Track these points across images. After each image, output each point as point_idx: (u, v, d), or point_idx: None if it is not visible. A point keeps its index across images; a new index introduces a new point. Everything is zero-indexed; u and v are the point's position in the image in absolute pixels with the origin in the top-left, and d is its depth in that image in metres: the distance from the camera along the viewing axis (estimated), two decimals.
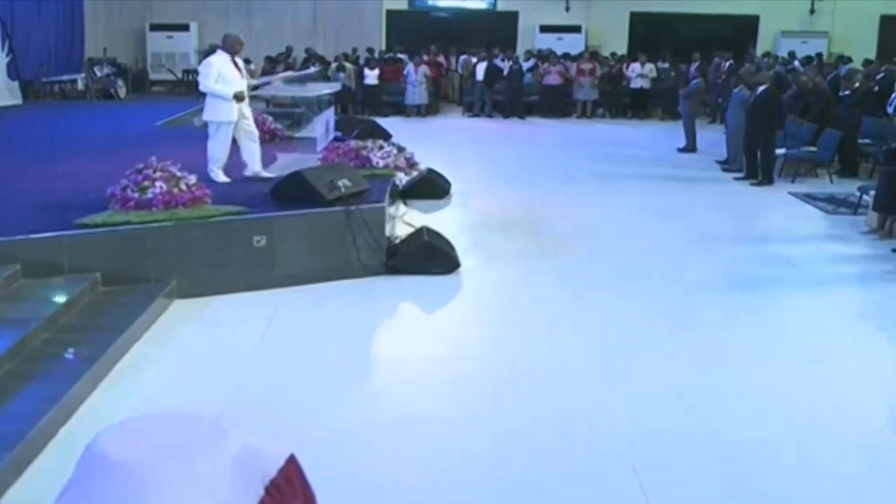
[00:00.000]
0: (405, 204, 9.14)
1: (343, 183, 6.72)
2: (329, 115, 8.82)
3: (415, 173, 8.79)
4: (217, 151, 7.68)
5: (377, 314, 6.05)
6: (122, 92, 17.60)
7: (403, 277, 6.69)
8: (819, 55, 18.73)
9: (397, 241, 7.11)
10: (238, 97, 7.52)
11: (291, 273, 6.42)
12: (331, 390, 4.76)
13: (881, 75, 12.77)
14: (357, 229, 6.58)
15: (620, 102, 17.90)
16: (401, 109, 17.49)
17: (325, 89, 9.31)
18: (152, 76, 20.28)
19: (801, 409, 4.56)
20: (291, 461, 2.27)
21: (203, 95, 7.97)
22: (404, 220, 8.38)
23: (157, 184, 6.32)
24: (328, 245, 6.57)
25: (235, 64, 7.62)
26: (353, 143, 8.26)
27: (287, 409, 4.53)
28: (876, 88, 11.60)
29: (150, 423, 2.19)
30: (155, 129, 11.77)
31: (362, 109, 17.39)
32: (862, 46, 19.65)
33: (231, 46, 7.60)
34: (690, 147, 13.52)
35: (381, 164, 8.03)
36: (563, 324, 5.80)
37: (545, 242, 7.89)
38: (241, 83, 7.60)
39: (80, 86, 17.18)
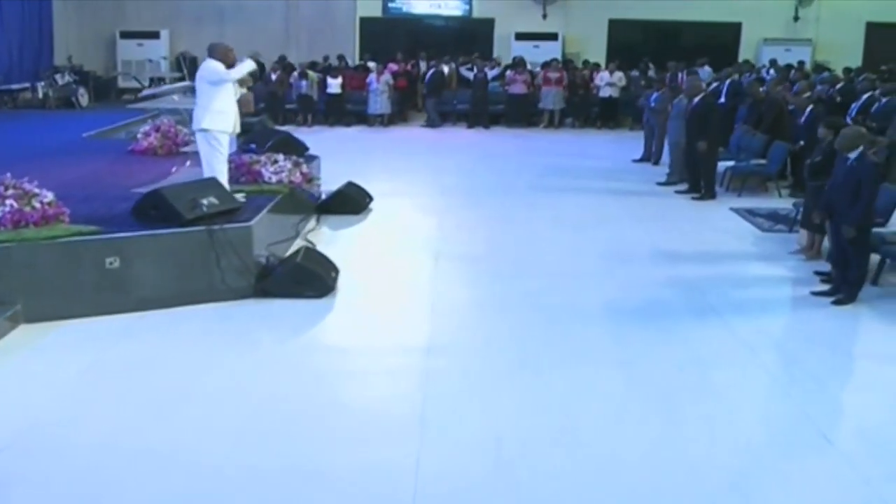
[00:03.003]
0: (317, 220, 8.81)
1: (208, 201, 6.38)
2: None
3: (315, 188, 8.41)
4: (218, 164, 7.02)
5: (227, 342, 5.67)
6: (84, 100, 17.32)
7: (272, 301, 6.33)
8: (801, 63, 18.21)
9: (277, 261, 6.75)
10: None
11: (148, 297, 6.10)
12: (134, 431, 4.40)
13: (841, 84, 12.27)
14: (221, 250, 6.24)
15: (589, 111, 17.44)
16: (365, 119, 17.13)
17: None
18: (122, 84, 20.04)
19: (638, 462, 4.16)
20: None
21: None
22: (307, 238, 8.05)
23: (8, 202, 6.04)
24: (189, 267, 6.23)
25: None
26: (245, 158, 7.90)
27: (77, 451, 4.19)
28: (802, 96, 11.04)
29: None
30: (80, 142, 11.46)
31: (325, 119, 17.07)
32: (847, 54, 19.12)
33: (223, 55, 6.97)
34: (647, 157, 13.09)
35: (274, 179, 7.67)
36: (411, 360, 5.40)
37: (442, 264, 7.49)
38: (235, 94, 7.15)
39: (40, 94, 16.90)
